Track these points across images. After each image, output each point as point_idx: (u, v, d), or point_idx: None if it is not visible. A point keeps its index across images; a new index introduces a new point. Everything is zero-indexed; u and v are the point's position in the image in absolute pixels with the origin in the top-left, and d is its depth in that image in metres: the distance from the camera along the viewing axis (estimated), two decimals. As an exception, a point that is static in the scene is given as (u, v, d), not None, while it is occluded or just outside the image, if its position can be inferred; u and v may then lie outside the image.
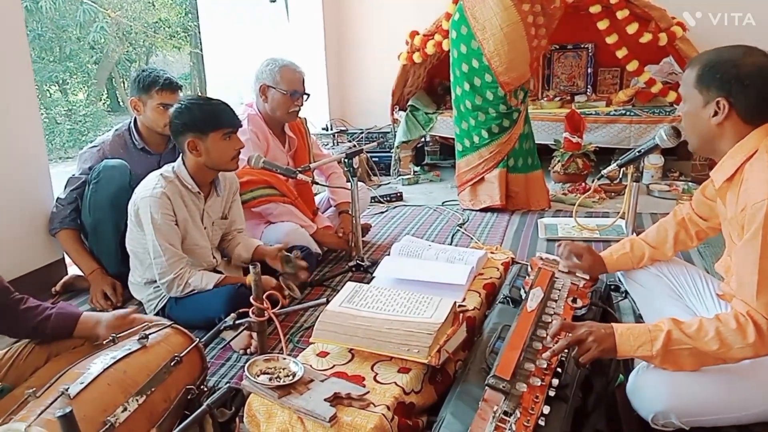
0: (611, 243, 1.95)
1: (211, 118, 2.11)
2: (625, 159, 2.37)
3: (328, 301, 1.70)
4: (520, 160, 3.62)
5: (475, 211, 3.66)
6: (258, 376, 1.43)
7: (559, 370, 1.37)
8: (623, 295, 2.07)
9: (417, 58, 4.58)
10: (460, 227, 3.34)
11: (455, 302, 1.65)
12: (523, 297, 1.76)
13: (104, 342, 1.50)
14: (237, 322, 1.83)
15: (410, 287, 1.79)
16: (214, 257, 2.30)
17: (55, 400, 1.18)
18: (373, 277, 2.11)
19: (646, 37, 3.99)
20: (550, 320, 1.57)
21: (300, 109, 2.83)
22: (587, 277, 1.86)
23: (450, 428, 1.32)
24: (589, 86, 4.95)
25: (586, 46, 4.92)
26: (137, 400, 1.29)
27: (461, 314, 1.67)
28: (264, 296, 1.82)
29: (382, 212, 3.80)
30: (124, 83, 12.42)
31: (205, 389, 1.53)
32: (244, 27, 5.45)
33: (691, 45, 4.01)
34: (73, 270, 2.70)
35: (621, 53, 4.12)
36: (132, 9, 11.72)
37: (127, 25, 11.51)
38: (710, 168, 1.50)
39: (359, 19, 5.47)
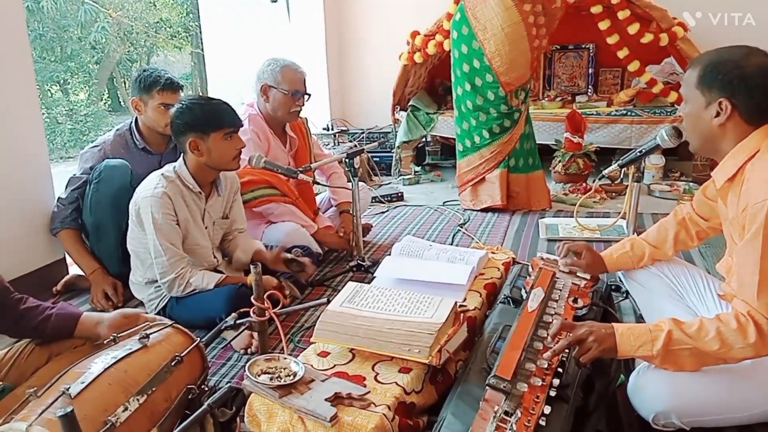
0: (612, 243, 1.95)
1: (212, 117, 2.11)
2: (626, 159, 2.37)
3: (328, 301, 1.70)
4: (521, 160, 3.62)
5: (476, 211, 3.65)
6: (259, 375, 1.43)
7: (560, 370, 1.37)
8: (624, 295, 2.07)
9: (418, 58, 4.58)
10: (461, 227, 3.34)
11: (456, 302, 1.65)
12: (524, 297, 1.75)
13: (105, 341, 1.50)
14: (238, 321, 1.83)
15: (411, 287, 1.79)
16: (215, 257, 2.30)
17: (56, 399, 1.18)
18: (374, 277, 2.11)
19: (647, 38, 3.99)
20: (550, 320, 1.57)
21: (301, 109, 2.84)
22: (588, 277, 1.86)
23: (451, 428, 1.32)
24: (590, 86, 4.95)
25: (587, 46, 4.92)
26: (138, 400, 1.29)
27: (462, 314, 1.67)
28: (265, 296, 1.82)
29: (383, 212, 3.81)
30: (125, 83, 12.44)
31: (206, 389, 1.53)
32: (245, 27, 5.46)
33: (692, 45, 4.01)
34: (74, 270, 2.70)
35: (622, 53, 4.12)
36: (133, 9, 11.74)
37: (128, 25, 11.52)
38: (711, 168, 1.50)
39: (360, 19, 5.48)
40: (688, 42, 4.03)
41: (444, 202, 3.92)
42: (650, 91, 4.23)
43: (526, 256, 2.78)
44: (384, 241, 3.20)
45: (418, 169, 4.84)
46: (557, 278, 1.83)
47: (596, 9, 4.03)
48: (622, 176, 3.85)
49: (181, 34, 12.65)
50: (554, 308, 1.65)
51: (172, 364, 1.44)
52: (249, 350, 1.97)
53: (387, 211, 3.84)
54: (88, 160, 2.54)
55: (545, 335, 1.47)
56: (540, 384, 1.31)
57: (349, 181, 2.70)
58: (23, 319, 1.55)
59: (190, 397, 1.46)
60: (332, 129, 5.09)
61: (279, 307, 1.88)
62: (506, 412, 1.23)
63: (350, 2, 5.47)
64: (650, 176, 4.15)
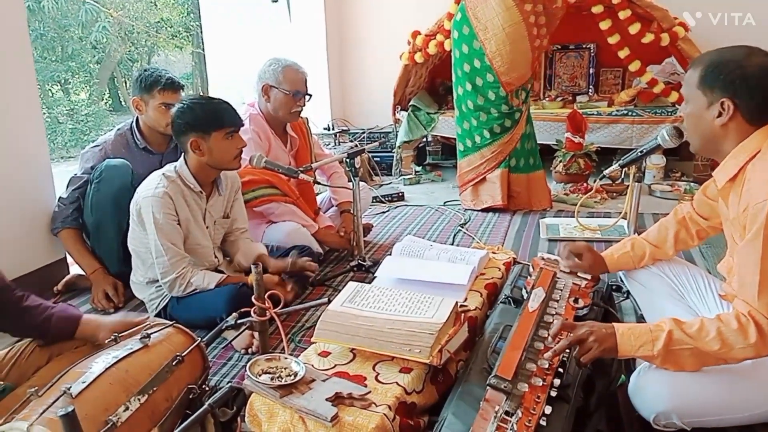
0: (613, 243, 1.95)
1: (213, 117, 2.11)
2: (627, 159, 2.37)
3: (329, 301, 1.70)
4: (522, 160, 3.62)
5: (477, 211, 3.65)
6: (260, 375, 1.43)
7: (560, 370, 1.37)
8: (625, 295, 2.07)
9: (419, 57, 4.58)
10: (462, 227, 3.34)
11: (457, 302, 1.65)
12: (525, 297, 1.75)
13: (106, 341, 1.50)
14: (239, 321, 1.83)
15: (412, 287, 1.79)
16: (216, 257, 2.30)
17: (57, 399, 1.19)
18: (375, 277, 2.11)
19: (648, 38, 3.99)
20: (551, 320, 1.57)
21: (302, 110, 2.84)
22: (589, 278, 1.86)
23: (451, 428, 1.32)
24: (591, 86, 4.95)
25: (588, 46, 4.92)
26: (139, 400, 1.29)
27: (463, 314, 1.67)
28: (266, 296, 1.82)
29: (384, 212, 3.81)
30: (126, 83, 12.44)
31: (207, 389, 1.53)
32: (246, 27, 5.46)
33: (693, 45, 4.01)
34: (74, 269, 2.70)
35: (623, 53, 4.11)
36: (134, 9, 11.75)
37: (129, 24, 11.52)
38: (712, 168, 1.50)
39: (361, 18, 5.48)
40: (689, 42, 4.03)
41: (445, 202, 3.92)
42: (651, 91, 4.22)
43: (527, 256, 2.78)
44: (385, 241, 3.20)
45: (418, 169, 4.84)
46: (558, 278, 1.83)
47: (597, 9, 4.02)
48: (623, 176, 3.85)
49: (182, 34, 12.66)
50: (555, 308, 1.65)
51: (173, 363, 1.44)
52: (250, 350, 1.97)
53: (388, 211, 3.84)
54: (89, 159, 2.54)
55: (546, 335, 1.47)
56: (541, 384, 1.31)
57: (349, 180, 2.70)
58: (24, 317, 1.55)
59: (191, 396, 1.46)
60: (333, 129, 5.09)
61: (280, 307, 1.89)
62: (507, 412, 1.23)
63: (351, 2, 5.47)
64: (651, 176, 4.14)
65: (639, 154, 2.32)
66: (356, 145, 4.38)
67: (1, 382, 1.45)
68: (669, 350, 1.30)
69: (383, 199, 4.00)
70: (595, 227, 3.09)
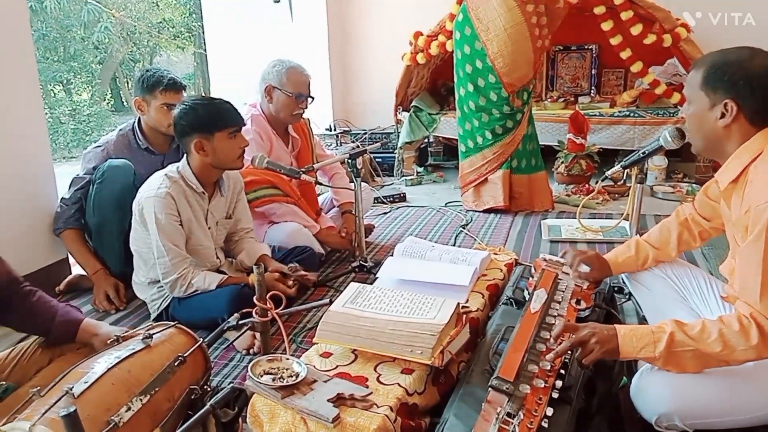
0: (615, 244, 1.95)
1: (216, 117, 2.12)
2: (629, 160, 2.36)
3: (331, 302, 1.70)
4: (524, 161, 3.61)
5: (479, 212, 3.65)
6: (261, 376, 1.43)
7: (562, 371, 1.37)
8: (627, 296, 2.07)
9: (420, 58, 4.58)
10: (464, 228, 3.34)
11: (458, 303, 1.64)
12: (527, 298, 1.75)
13: (108, 342, 1.50)
14: (240, 322, 1.83)
15: (413, 288, 1.79)
16: (217, 257, 2.30)
17: (60, 399, 1.19)
18: (377, 278, 2.11)
19: (651, 39, 3.99)
20: (553, 322, 1.57)
21: (304, 112, 2.84)
22: (591, 280, 1.86)
23: (453, 430, 1.32)
24: (593, 87, 4.95)
25: (590, 47, 4.92)
26: (141, 400, 1.29)
27: (464, 315, 1.67)
28: (267, 296, 1.82)
29: (386, 213, 3.81)
30: (128, 83, 12.46)
31: (209, 389, 1.53)
32: (247, 27, 5.46)
33: (695, 46, 4.01)
34: (76, 270, 2.70)
35: (625, 54, 4.11)
36: (136, 9, 11.77)
37: (131, 25, 11.54)
38: (714, 170, 1.50)
39: (363, 19, 5.48)
40: (692, 43, 4.03)
41: (446, 203, 3.92)
42: (653, 92, 4.22)
43: (529, 258, 2.78)
44: (386, 241, 3.20)
45: (420, 169, 4.84)
46: (560, 280, 1.83)
47: (599, 10, 4.02)
48: (624, 177, 3.85)
49: (184, 35, 12.68)
50: (557, 310, 1.65)
51: (175, 364, 1.44)
52: (251, 351, 1.98)
53: (389, 211, 3.84)
54: (91, 160, 2.55)
55: (548, 337, 1.47)
56: (543, 386, 1.31)
57: (351, 181, 2.70)
58: (30, 314, 1.56)
59: (192, 397, 1.46)
60: (335, 129, 5.09)
61: (282, 307, 1.89)
62: (509, 414, 1.22)
63: (353, 3, 5.48)
64: (653, 177, 4.14)
65: (641, 155, 2.31)
66: (358, 146, 4.41)
67: (3, 383, 1.45)
68: (671, 352, 1.30)
69: (385, 200, 4.01)
70: (596, 228, 3.08)
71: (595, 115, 4.32)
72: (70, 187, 2.56)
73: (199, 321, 2.02)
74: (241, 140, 2.17)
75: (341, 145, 4.86)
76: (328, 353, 1.61)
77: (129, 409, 1.26)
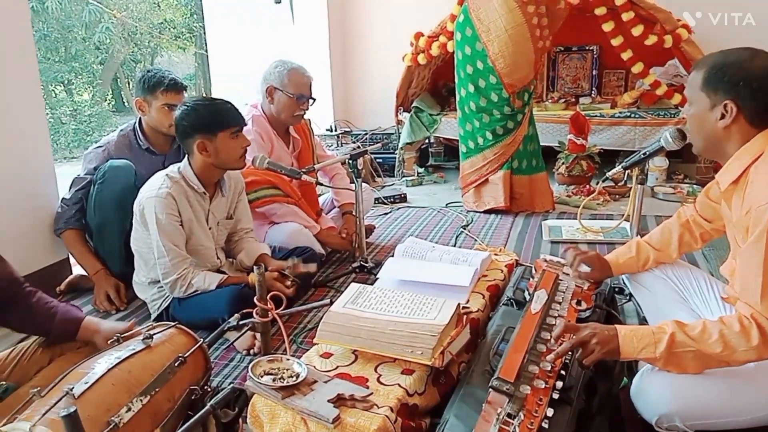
0: (615, 245, 1.95)
1: (218, 117, 2.12)
2: (630, 161, 2.36)
3: (331, 302, 1.70)
4: (525, 161, 3.61)
5: (479, 213, 3.65)
6: (261, 376, 1.43)
7: (563, 372, 1.37)
8: (627, 297, 2.07)
9: (421, 59, 4.58)
10: (464, 229, 3.34)
11: (459, 304, 1.64)
12: (527, 299, 1.75)
13: (108, 342, 1.50)
14: (241, 322, 1.83)
15: (414, 289, 1.79)
16: (218, 258, 2.30)
17: (60, 399, 1.19)
18: (377, 279, 2.11)
19: (651, 39, 3.99)
20: (554, 322, 1.56)
21: (304, 113, 2.84)
22: (592, 281, 1.86)
23: (453, 430, 1.32)
24: (593, 88, 4.95)
25: (591, 48, 4.92)
26: (141, 401, 1.29)
27: (465, 316, 1.67)
28: (268, 297, 1.82)
29: (386, 213, 3.81)
30: (129, 84, 12.47)
31: (209, 389, 1.53)
32: (248, 28, 5.47)
33: (696, 47, 4.01)
34: (77, 270, 2.70)
35: (626, 55, 4.11)
36: (137, 10, 11.77)
37: (132, 25, 11.55)
38: (715, 171, 1.50)
39: (364, 20, 5.48)
40: (692, 44, 4.03)
41: (447, 204, 3.92)
42: (654, 93, 4.22)
43: (530, 258, 2.78)
44: (387, 242, 3.20)
45: (421, 170, 4.84)
46: (560, 280, 1.83)
47: (600, 11, 4.02)
48: (625, 178, 3.85)
49: (185, 35, 12.68)
50: (557, 310, 1.65)
51: (176, 364, 1.44)
52: (252, 351, 1.98)
53: (390, 212, 3.84)
54: (92, 160, 2.55)
55: (548, 337, 1.47)
56: (543, 386, 1.31)
57: (352, 182, 2.70)
58: (30, 314, 1.55)
59: (193, 397, 1.45)
60: (335, 130, 5.09)
61: (282, 307, 1.89)
62: (509, 415, 1.22)
63: (354, 3, 5.48)
64: (654, 178, 4.14)
65: (642, 156, 2.31)
66: (359, 147, 4.40)
67: (3, 383, 1.45)
68: (671, 353, 1.29)
69: (385, 201, 4.01)
70: (597, 229, 3.08)
71: (595, 116, 4.32)
72: (70, 188, 2.56)
73: (199, 321, 2.02)
74: (243, 140, 2.17)
75: (342, 146, 4.86)
76: (328, 354, 1.60)
77: (129, 409, 1.26)
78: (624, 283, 2.00)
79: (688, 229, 1.77)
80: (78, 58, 10.97)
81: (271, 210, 2.71)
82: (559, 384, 1.32)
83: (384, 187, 4.49)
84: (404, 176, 4.77)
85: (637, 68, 4.13)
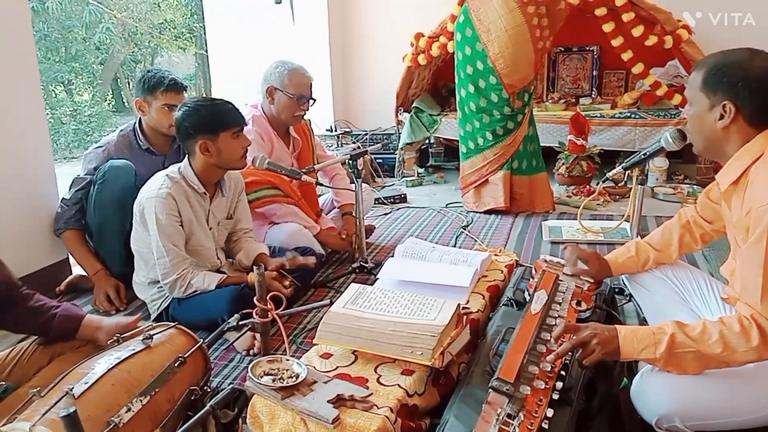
0: (615, 246, 1.95)
1: (220, 118, 2.12)
2: (630, 162, 2.36)
3: (331, 303, 1.70)
4: (525, 162, 3.61)
5: (479, 213, 3.65)
6: (261, 377, 1.42)
7: (563, 372, 1.37)
8: (627, 298, 2.07)
9: (422, 59, 4.58)
10: (464, 229, 3.34)
11: (459, 304, 1.64)
12: (527, 299, 1.75)
13: (108, 342, 1.50)
14: (240, 323, 1.83)
15: (414, 289, 1.79)
16: (218, 258, 2.30)
17: (60, 399, 1.19)
18: (377, 279, 2.11)
19: (652, 40, 3.99)
20: (554, 323, 1.56)
21: (305, 114, 2.84)
22: (591, 280, 1.86)
23: (453, 431, 1.32)
24: (594, 89, 4.95)
25: (591, 48, 4.92)
26: (141, 401, 1.29)
27: (465, 316, 1.67)
28: (267, 297, 1.82)
29: (386, 214, 3.81)
30: (129, 84, 12.47)
31: (209, 390, 1.53)
32: (249, 28, 5.46)
33: (696, 48, 4.01)
34: (77, 270, 2.70)
35: (626, 56, 4.11)
36: (138, 10, 11.77)
37: (132, 25, 11.55)
38: (715, 171, 1.50)
39: (364, 20, 5.48)
40: (693, 44, 4.03)
41: (447, 204, 3.92)
42: (654, 94, 4.22)
43: (530, 259, 2.78)
44: (387, 242, 3.20)
45: (421, 170, 4.84)
46: (560, 281, 1.83)
47: (600, 11, 4.02)
48: (625, 179, 3.85)
49: (185, 35, 12.68)
50: (557, 311, 1.64)
51: (175, 365, 1.44)
52: (251, 351, 1.98)
53: (390, 212, 3.84)
54: (92, 160, 2.55)
55: (548, 338, 1.47)
56: (543, 387, 1.31)
57: (352, 182, 2.70)
58: (29, 316, 1.56)
59: (192, 398, 1.46)
60: (336, 130, 5.09)
61: (282, 308, 1.89)
62: (509, 415, 1.22)
63: (354, 3, 5.48)
64: (654, 179, 4.14)
65: (642, 156, 2.31)
66: (359, 147, 4.40)
67: (3, 383, 1.45)
68: (672, 353, 1.29)
69: (385, 201, 4.01)
70: (597, 230, 3.08)
71: (596, 117, 4.32)
72: (70, 188, 2.56)
73: (199, 321, 2.02)
74: (244, 140, 2.17)
75: (342, 146, 4.86)
76: (328, 354, 1.60)
77: (129, 409, 1.26)
78: (624, 283, 2.00)
79: (688, 230, 1.77)
80: (78, 59, 10.97)
81: (271, 210, 2.71)
82: (559, 384, 1.32)
83: (384, 187, 4.49)
84: (404, 177, 4.77)
85: (637, 69, 4.13)
